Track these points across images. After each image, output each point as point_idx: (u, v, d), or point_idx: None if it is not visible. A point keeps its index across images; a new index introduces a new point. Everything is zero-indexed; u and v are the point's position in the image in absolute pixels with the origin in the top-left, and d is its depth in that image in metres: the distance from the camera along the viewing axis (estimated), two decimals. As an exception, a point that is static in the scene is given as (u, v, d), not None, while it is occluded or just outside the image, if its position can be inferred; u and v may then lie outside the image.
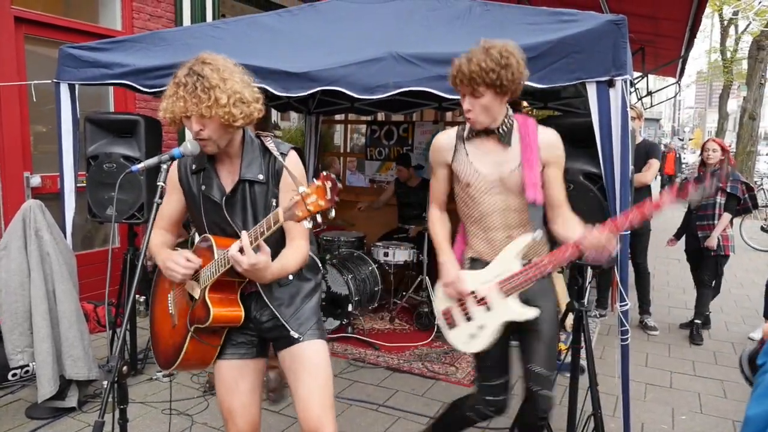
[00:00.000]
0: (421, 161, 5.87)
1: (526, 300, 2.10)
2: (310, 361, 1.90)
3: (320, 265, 2.09)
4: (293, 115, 9.40)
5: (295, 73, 2.87)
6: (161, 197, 1.77)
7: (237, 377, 1.94)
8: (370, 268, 4.96)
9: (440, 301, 2.26)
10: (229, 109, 1.69)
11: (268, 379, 3.36)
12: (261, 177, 1.84)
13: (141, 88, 3.30)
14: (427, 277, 4.84)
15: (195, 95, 1.67)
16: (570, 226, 2.10)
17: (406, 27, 3.05)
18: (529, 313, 2.08)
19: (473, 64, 1.92)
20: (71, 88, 3.54)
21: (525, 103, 6.00)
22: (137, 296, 4.62)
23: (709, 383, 3.91)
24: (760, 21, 15.58)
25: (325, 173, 1.51)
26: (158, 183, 1.75)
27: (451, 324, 2.24)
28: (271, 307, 1.90)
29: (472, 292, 2.16)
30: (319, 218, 1.51)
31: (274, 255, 1.83)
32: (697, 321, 4.81)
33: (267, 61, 2.95)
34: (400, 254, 4.93)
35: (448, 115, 6.98)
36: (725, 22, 22.04)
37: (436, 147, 2.22)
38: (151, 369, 3.81)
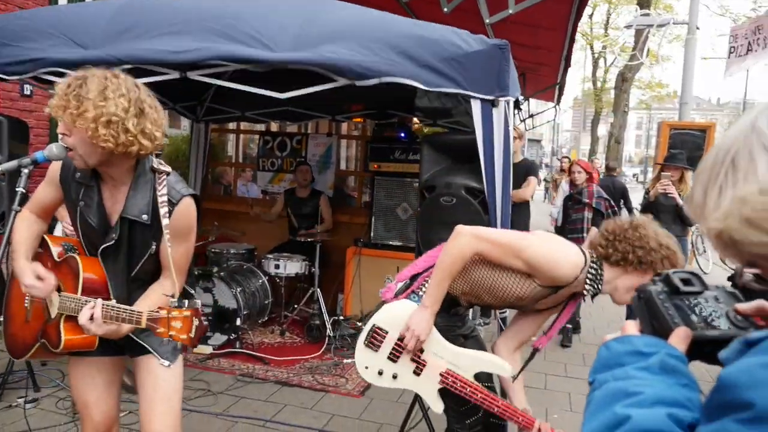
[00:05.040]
0: (314, 173, 5.81)
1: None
2: (160, 376, 1.91)
3: (193, 294, 2.08)
4: (185, 122, 9.00)
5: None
6: (20, 205, 1.64)
7: (93, 372, 1.92)
8: (261, 281, 4.84)
9: (386, 321, 2.02)
10: (96, 125, 1.59)
11: (125, 381, 3.18)
12: (145, 218, 1.76)
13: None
14: (318, 289, 4.81)
15: (67, 99, 1.60)
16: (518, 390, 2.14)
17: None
18: (437, 408, 2.01)
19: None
20: None
21: (416, 119, 6.20)
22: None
23: (578, 383, 4.24)
24: (623, 56, 17.43)
25: (198, 306, 1.57)
26: (17, 189, 1.62)
27: (374, 345, 2.01)
28: (137, 339, 1.86)
29: (422, 351, 1.98)
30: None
31: (150, 278, 1.85)
32: (568, 325, 5.22)
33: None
34: (292, 266, 4.86)
35: (343, 127, 7.01)
36: (596, 55, 24.37)
37: (558, 275, 1.89)
38: (11, 395, 3.42)
